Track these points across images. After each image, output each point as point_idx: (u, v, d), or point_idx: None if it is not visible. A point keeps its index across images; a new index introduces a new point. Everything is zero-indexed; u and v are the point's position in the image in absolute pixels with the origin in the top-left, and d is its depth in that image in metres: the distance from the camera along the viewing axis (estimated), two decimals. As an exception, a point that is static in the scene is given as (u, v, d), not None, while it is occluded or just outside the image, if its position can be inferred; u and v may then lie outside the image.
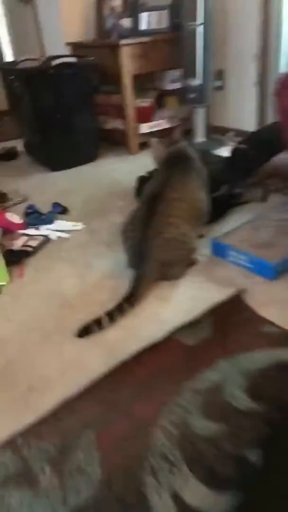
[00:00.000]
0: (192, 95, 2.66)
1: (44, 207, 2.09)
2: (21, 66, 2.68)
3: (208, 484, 0.87)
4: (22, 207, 2.11)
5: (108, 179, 2.49)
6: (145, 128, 2.82)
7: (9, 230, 1.86)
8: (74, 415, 1.02)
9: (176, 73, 2.87)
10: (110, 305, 1.32)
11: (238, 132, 2.82)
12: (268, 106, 2.60)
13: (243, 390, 1.05)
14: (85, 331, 1.26)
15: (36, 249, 1.75)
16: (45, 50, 3.28)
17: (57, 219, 2.00)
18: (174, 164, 1.55)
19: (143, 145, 2.84)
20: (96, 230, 1.90)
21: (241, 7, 2.58)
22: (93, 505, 0.85)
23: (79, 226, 1.93)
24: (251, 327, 1.25)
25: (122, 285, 1.41)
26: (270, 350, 1.15)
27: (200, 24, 2.44)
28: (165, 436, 0.96)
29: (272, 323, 1.23)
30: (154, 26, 2.78)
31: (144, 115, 2.83)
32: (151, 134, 2.79)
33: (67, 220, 1.99)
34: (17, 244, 1.76)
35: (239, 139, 2.65)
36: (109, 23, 2.94)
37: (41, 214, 2.02)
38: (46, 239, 1.83)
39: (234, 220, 1.83)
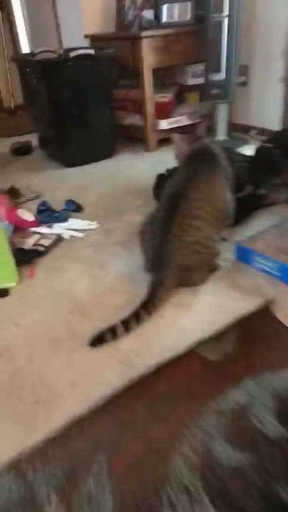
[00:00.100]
0: (214, 91, 2.54)
1: (58, 204, 2.00)
2: (38, 58, 2.59)
3: (233, 523, 0.77)
4: (34, 203, 2.03)
5: (124, 176, 2.39)
6: (164, 124, 2.71)
7: (21, 228, 1.78)
8: (84, 435, 0.93)
9: (198, 67, 2.76)
10: (126, 311, 1.22)
11: (261, 131, 2.71)
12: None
13: (271, 414, 0.95)
14: (98, 340, 1.16)
15: (48, 249, 1.66)
16: (63, 42, 3.20)
17: (70, 217, 1.90)
18: (198, 161, 1.44)
19: (162, 142, 2.74)
20: (111, 229, 1.81)
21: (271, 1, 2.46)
22: None
23: (93, 225, 1.84)
24: (280, 342, 1.14)
25: (139, 289, 1.31)
26: (302, 369, 1.05)
27: (227, 15, 2.32)
28: (184, 463, 0.86)
29: (303, 338, 1.12)
30: (176, 18, 2.67)
31: (164, 111, 2.73)
32: (171, 130, 2.69)
33: (81, 219, 1.89)
34: (29, 242, 1.67)
35: (263, 137, 2.54)
36: (130, 15, 2.84)
37: (54, 211, 1.93)
38: (59, 238, 1.74)
39: (259, 223, 1.71)
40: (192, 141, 1.52)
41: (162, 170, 2.08)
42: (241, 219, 1.69)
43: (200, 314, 1.26)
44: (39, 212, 1.94)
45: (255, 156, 1.93)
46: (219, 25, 2.38)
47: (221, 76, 2.49)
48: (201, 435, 0.91)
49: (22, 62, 2.74)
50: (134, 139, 2.86)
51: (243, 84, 2.71)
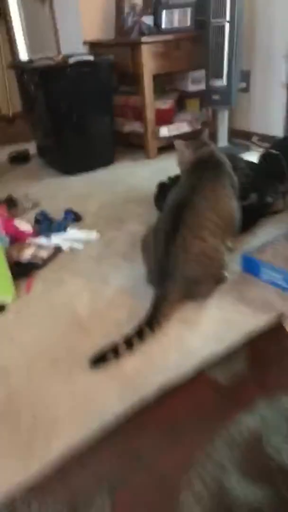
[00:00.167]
0: (216, 97, 2.49)
1: (56, 214, 1.93)
2: (36, 64, 2.54)
3: None
4: (32, 213, 1.96)
5: (125, 184, 2.33)
6: (164, 131, 2.66)
7: (18, 239, 1.71)
8: (85, 468, 0.85)
9: (199, 73, 2.71)
10: (128, 327, 1.15)
11: (263, 137, 2.65)
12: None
13: (288, 441, 0.87)
14: (99, 360, 1.09)
15: (46, 261, 1.59)
16: (61, 49, 3.15)
17: (69, 227, 1.84)
18: (203, 169, 1.38)
19: (162, 149, 2.68)
20: (112, 240, 1.74)
21: (271, 3, 2.42)
22: None
23: (93, 235, 1.77)
24: (293, 361, 1.07)
25: (141, 303, 1.25)
26: None
27: (228, 20, 2.28)
28: (195, 501, 0.78)
29: None
30: (176, 24, 2.64)
31: (164, 118, 2.68)
32: (171, 137, 2.64)
33: (81, 229, 1.83)
34: (26, 254, 1.60)
35: (265, 144, 2.49)
36: (129, 21, 2.80)
37: (52, 221, 1.87)
38: (57, 250, 1.67)
39: (265, 232, 1.65)
40: (196, 147, 1.46)
41: (163, 178, 2.02)
42: (247, 228, 1.62)
43: (206, 330, 1.18)
44: (37, 222, 1.87)
45: (260, 162, 1.87)
46: (220, 30, 2.33)
47: (222, 82, 2.44)
48: (213, 467, 0.83)
49: (20, 69, 2.69)
50: (134, 146, 2.81)
51: (245, 90, 2.66)
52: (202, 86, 2.70)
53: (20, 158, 2.87)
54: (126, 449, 0.88)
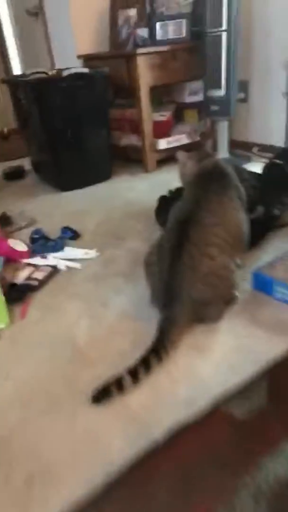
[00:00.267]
0: (214, 108, 2.43)
1: (53, 232, 1.84)
2: (29, 78, 2.48)
3: None
4: (27, 232, 1.87)
5: (123, 199, 2.24)
6: (163, 143, 2.59)
7: (12, 260, 1.61)
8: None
9: (196, 84, 2.65)
10: (132, 355, 1.04)
11: (264, 147, 2.58)
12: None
13: None
14: (101, 395, 0.98)
15: (42, 283, 1.49)
16: (56, 63, 3.10)
17: (67, 245, 1.74)
18: (208, 181, 1.29)
19: (161, 162, 2.61)
20: (111, 258, 1.64)
21: (267, 12, 2.37)
22: None
23: (92, 253, 1.67)
24: None
25: (146, 329, 1.14)
26: None
27: (225, 30, 2.22)
28: None
29: None
30: (172, 35, 2.58)
31: (162, 130, 2.61)
32: (170, 150, 2.57)
33: (79, 247, 1.73)
34: (20, 276, 1.50)
35: (266, 154, 2.42)
36: (123, 33, 2.75)
37: (48, 240, 1.77)
38: (54, 270, 1.57)
39: (274, 247, 1.56)
40: (200, 158, 1.38)
41: (163, 191, 1.93)
42: (254, 243, 1.53)
43: (219, 358, 1.08)
44: (32, 241, 1.78)
45: (264, 173, 1.79)
46: (217, 40, 2.28)
47: (220, 92, 2.38)
48: (237, 523, 0.72)
49: (14, 84, 2.63)
50: (132, 160, 2.73)
51: (243, 100, 2.60)
52: (200, 97, 2.65)
53: (14, 174, 2.79)
54: (134, 503, 0.77)
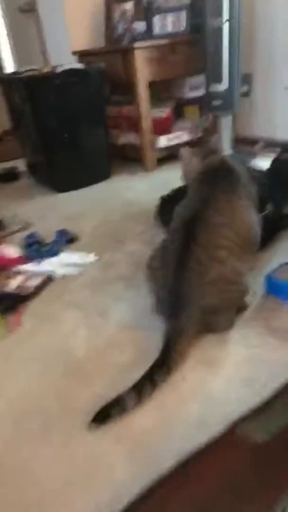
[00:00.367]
0: (217, 102, 2.32)
1: (48, 236, 1.73)
2: (22, 75, 2.37)
3: None
4: (21, 236, 1.76)
5: (122, 200, 2.14)
6: (163, 141, 2.48)
7: (4, 267, 1.50)
8: None
9: (197, 79, 2.55)
10: (135, 371, 0.94)
11: (269, 142, 2.48)
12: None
13: None
14: (102, 417, 0.87)
15: (36, 291, 1.38)
16: (49, 60, 3.00)
17: (63, 250, 1.64)
18: (215, 178, 1.19)
19: (161, 161, 2.50)
20: (111, 262, 1.54)
21: (271, 3, 2.27)
22: None
23: (90, 258, 1.57)
24: None
25: (150, 341, 1.05)
26: None
27: (227, 20, 2.12)
28: None
29: None
30: (170, 28, 2.48)
31: (162, 127, 2.50)
32: (170, 148, 2.47)
33: (76, 251, 1.62)
34: (13, 284, 1.40)
35: (271, 149, 2.31)
36: (120, 28, 2.65)
37: (43, 244, 1.67)
38: (49, 277, 1.46)
39: (285, 248, 1.45)
40: (205, 155, 1.27)
41: (163, 191, 1.82)
42: (264, 244, 1.42)
43: (231, 372, 0.97)
44: (26, 246, 1.67)
45: (272, 170, 1.68)
46: (219, 31, 2.17)
47: (223, 86, 2.27)
48: None
49: (6, 82, 2.53)
50: (130, 159, 2.62)
51: (246, 94, 2.49)
52: (200, 92, 2.54)
53: (8, 176, 2.69)
54: None
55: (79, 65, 2.31)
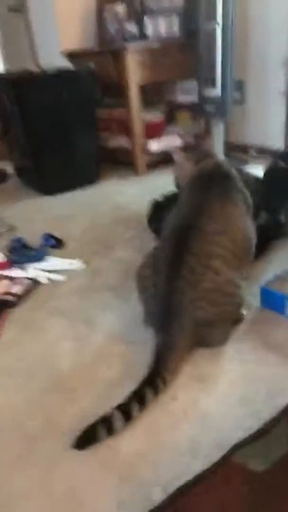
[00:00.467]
0: (209, 108, 2.28)
1: (34, 240, 1.66)
2: (10, 76, 2.31)
3: None
4: (6, 239, 1.68)
5: (112, 204, 2.08)
6: (154, 145, 2.43)
7: (-14, 272, 1.43)
8: None
9: (189, 84, 2.51)
10: (123, 388, 0.87)
11: (261, 149, 2.45)
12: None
13: None
14: (87, 439, 0.80)
15: (20, 298, 1.31)
16: (39, 61, 2.93)
17: (49, 255, 1.56)
18: (209, 184, 1.13)
19: (152, 167, 2.45)
20: (99, 269, 1.47)
21: (265, 7, 2.25)
22: None
23: (77, 264, 1.50)
24: None
25: (140, 354, 0.99)
26: None
27: (220, 24, 2.08)
28: None
29: None
30: (163, 31, 2.43)
31: (153, 131, 2.45)
32: (161, 153, 2.42)
33: (62, 257, 1.56)
34: (-5, 291, 1.32)
35: (265, 156, 2.28)
36: (112, 29, 2.60)
37: (29, 249, 1.59)
38: (34, 283, 1.39)
39: (282, 258, 1.41)
40: (198, 159, 1.22)
41: (154, 196, 1.76)
42: (259, 253, 1.37)
43: (226, 390, 0.91)
44: (11, 250, 1.59)
45: (267, 177, 1.64)
46: (212, 35, 2.14)
47: (216, 91, 2.23)
48: None
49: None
50: (121, 163, 2.56)
51: (239, 101, 2.46)
52: (192, 98, 2.50)
53: (-4, 177, 2.60)
54: None
55: (69, 66, 2.25)
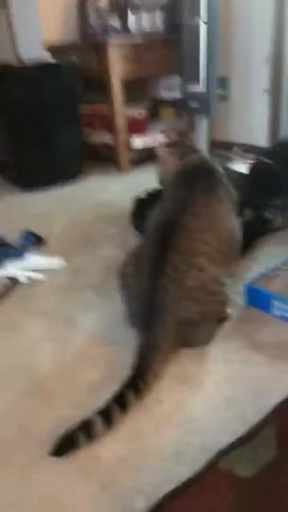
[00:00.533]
0: (193, 104, 2.25)
1: (13, 237, 1.60)
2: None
3: None
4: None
5: (94, 201, 2.03)
6: (137, 142, 2.39)
7: None
8: None
9: (172, 80, 2.48)
10: (104, 391, 0.84)
11: (245, 147, 2.43)
12: (283, 115, 2.22)
13: None
14: (65, 445, 0.76)
15: (-3, 298, 1.26)
16: (20, 54, 2.86)
17: (29, 253, 1.51)
18: (194, 179, 1.10)
19: (135, 162, 2.41)
20: (80, 267, 1.43)
21: (248, 5, 2.23)
22: None
23: (58, 262, 1.45)
24: None
25: (122, 355, 0.95)
26: None
27: (203, 20, 2.06)
28: None
29: None
30: (146, 26, 2.40)
31: (136, 127, 2.42)
32: (145, 149, 2.38)
33: (43, 255, 1.50)
34: None
35: (249, 154, 2.27)
36: (93, 23, 2.55)
37: (8, 246, 1.54)
38: (13, 282, 1.34)
39: (268, 255, 1.39)
40: (183, 154, 1.18)
41: (137, 192, 1.73)
42: (244, 250, 1.35)
43: (212, 391, 0.88)
44: (-12, 248, 1.54)
45: (252, 174, 1.62)
46: (196, 30, 2.11)
47: (200, 87, 2.20)
48: None
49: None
50: (104, 159, 2.52)
51: (223, 97, 2.44)
52: (176, 94, 2.47)
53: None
54: None
55: (50, 59, 2.19)
